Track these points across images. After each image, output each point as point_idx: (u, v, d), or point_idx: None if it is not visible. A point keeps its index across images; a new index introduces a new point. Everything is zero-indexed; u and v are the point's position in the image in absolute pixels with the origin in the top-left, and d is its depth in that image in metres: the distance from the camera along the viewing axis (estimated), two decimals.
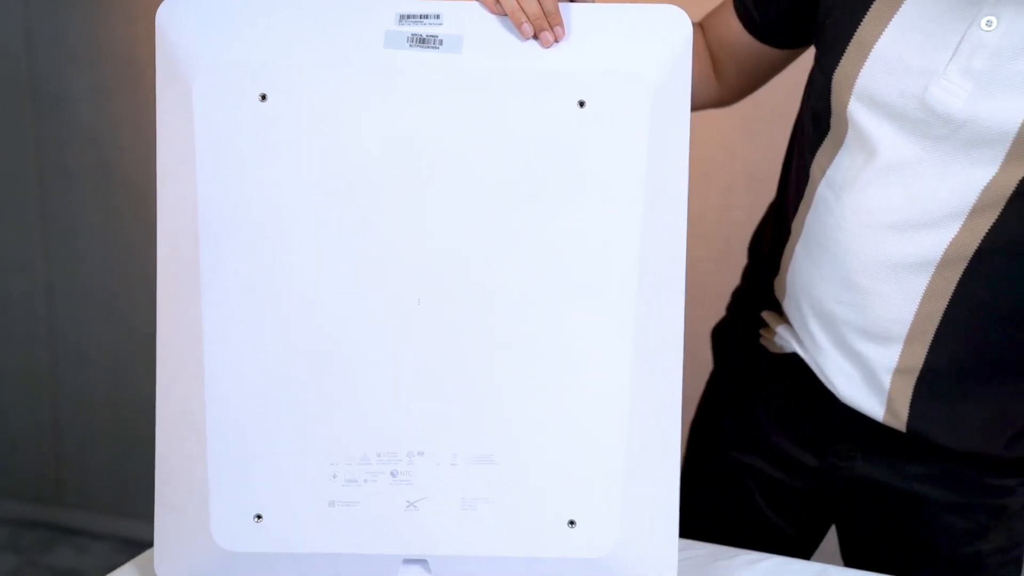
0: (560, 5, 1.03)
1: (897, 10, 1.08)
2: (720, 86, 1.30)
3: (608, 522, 1.06)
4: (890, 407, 1.15)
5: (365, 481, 1.06)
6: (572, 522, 1.06)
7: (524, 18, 1.02)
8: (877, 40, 1.08)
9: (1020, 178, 1.04)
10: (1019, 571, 1.26)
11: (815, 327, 1.18)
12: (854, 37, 1.10)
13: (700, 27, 1.28)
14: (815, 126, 1.18)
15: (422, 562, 1.07)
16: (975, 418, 1.15)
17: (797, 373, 1.22)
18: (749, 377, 1.31)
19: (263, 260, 1.05)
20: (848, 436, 1.21)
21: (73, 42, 2.69)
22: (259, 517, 1.06)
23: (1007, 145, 1.04)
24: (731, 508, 1.30)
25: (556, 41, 1.03)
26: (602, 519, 1.06)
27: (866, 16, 1.09)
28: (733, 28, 1.25)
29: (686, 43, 1.06)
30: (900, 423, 1.16)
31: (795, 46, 1.24)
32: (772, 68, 1.29)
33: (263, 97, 1.04)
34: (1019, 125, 1.03)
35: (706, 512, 1.31)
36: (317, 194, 1.05)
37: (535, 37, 1.03)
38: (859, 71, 1.09)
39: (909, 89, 1.07)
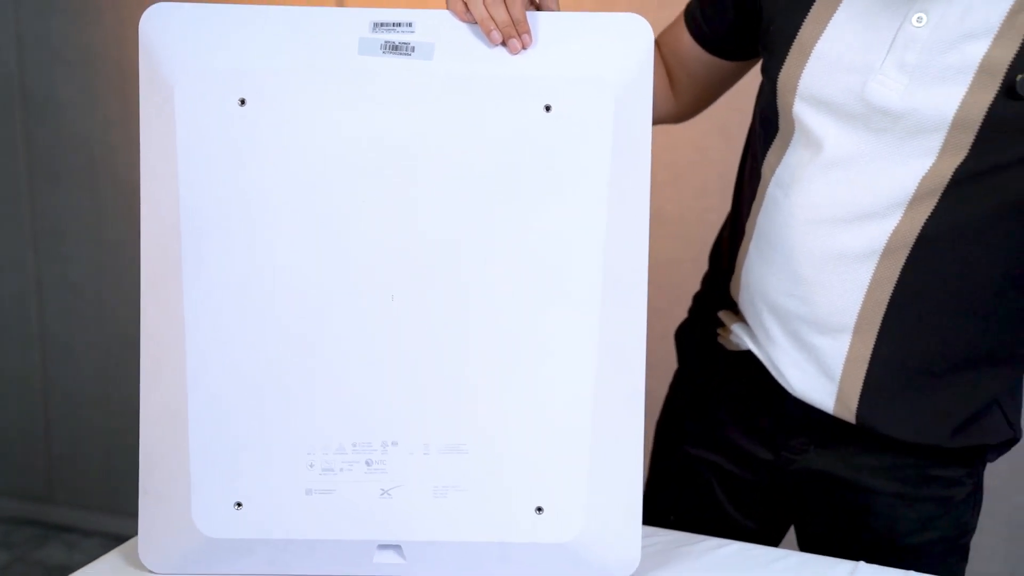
0: (527, 13, 1.08)
1: (835, 12, 1.13)
2: (676, 100, 1.35)
3: (574, 509, 1.09)
4: (840, 398, 1.19)
5: (341, 470, 1.10)
6: (540, 509, 1.09)
7: (493, 26, 1.07)
8: (817, 41, 1.13)
9: (956, 167, 1.09)
10: (966, 558, 1.29)
11: (769, 322, 1.21)
12: (795, 40, 1.15)
13: (656, 44, 1.32)
14: (764, 128, 1.22)
15: (396, 548, 1.11)
16: (922, 408, 1.19)
17: (752, 370, 1.25)
18: (709, 376, 1.35)
19: (242, 257, 1.09)
20: (801, 430, 1.25)
21: (62, 46, 2.71)
22: (239, 505, 1.10)
23: (943, 135, 1.08)
24: (693, 506, 1.34)
25: (524, 48, 1.08)
26: (568, 506, 1.09)
27: (806, 19, 1.14)
28: (685, 43, 1.30)
29: (647, 50, 1.10)
30: (850, 414, 1.19)
31: (744, 58, 1.29)
32: (723, 81, 1.33)
33: (242, 101, 1.08)
34: (952, 116, 1.07)
35: (670, 510, 1.35)
36: (294, 194, 1.08)
37: (503, 44, 1.08)
38: (801, 72, 1.14)
39: (849, 86, 1.11)
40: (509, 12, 1.06)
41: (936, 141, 1.09)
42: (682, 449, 1.36)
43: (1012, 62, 1.05)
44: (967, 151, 1.08)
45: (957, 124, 1.07)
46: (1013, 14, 1.05)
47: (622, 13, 1.10)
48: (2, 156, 2.82)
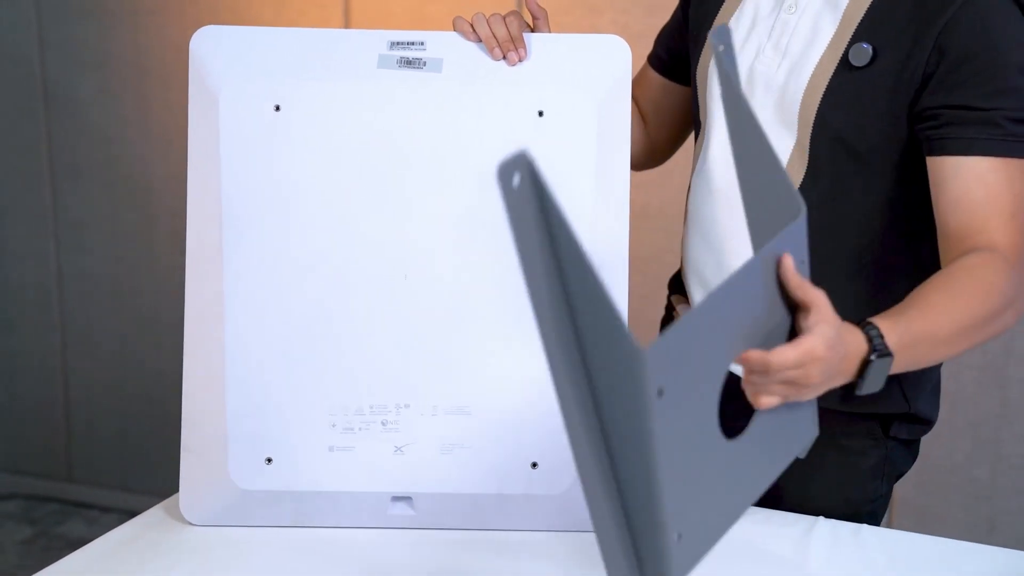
0: (524, 34, 1.23)
1: (737, 8, 1.29)
2: (652, 138, 1.49)
3: (566, 464, 1.19)
4: None
5: (360, 429, 1.22)
6: (535, 464, 1.22)
7: (495, 43, 1.22)
8: None
9: (809, 137, 1.21)
10: (877, 523, 1.36)
11: (700, 296, 1.33)
12: (708, 35, 1.29)
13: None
14: (695, 131, 1.38)
15: (408, 499, 1.22)
16: None
17: None
18: None
19: (275, 242, 1.22)
20: (731, 399, 1.35)
21: (82, 49, 2.82)
22: (269, 460, 1.22)
23: (797, 106, 1.22)
24: None
25: (520, 61, 1.23)
26: (561, 462, 1.21)
27: (716, 17, 1.31)
28: (651, 79, 1.45)
29: (626, 65, 1.24)
30: None
31: None
32: (686, 110, 1.46)
33: (277, 108, 1.22)
34: (805, 86, 1.21)
35: None
36: (321, 187, 1.22)
37: (503, 58, 1.23)
38: (709, 63, 1.30)
39: (741, 67, 1.26)
40: (508, 31, 1.22)
41: (794, 113, 1.22)
42: None
43: (851, 38, 1.19)
44: (813, 119, 1.20)
45: (808, 94, 1.20)
46: None
47: (604, 34, 1.25)
48: (26, 153, 2.92)
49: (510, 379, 1.22)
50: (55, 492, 3.07)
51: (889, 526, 2.27)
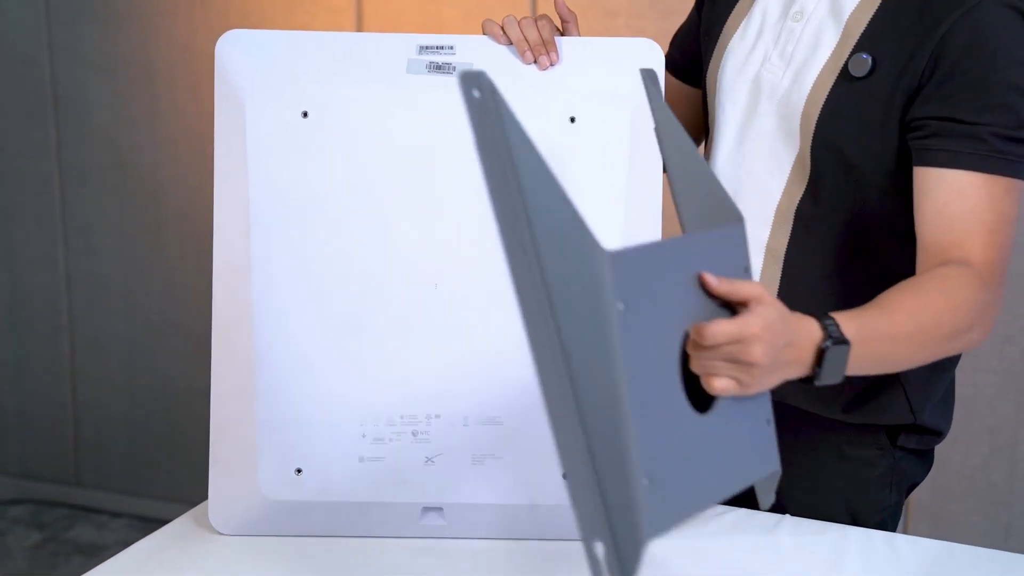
0: (556, 38, 1.22)
1: (747, 13, 1.29)
2: None
3: None
4: None
5: (390, 439, 1.21)
6: (566, 475, 1.21)
7: (527, 46, 1.21)
8: (731, 39, 1.29)
9: (810, 151, 1.21)
10: (889, 530, 1.34)
11: None
12: (718, 42, 1.31)
13: None
14: (705, 135, 1.37)
15: (438, 510, 1.21)
16: None
17: None
18: None
19: (304, 250, 1.21)
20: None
21: (91, 52, 2.82)
22: (299, 471, 1.20)
23: (798, 121, 1.21)
24: None
25: (552, 65, 1.21)
26: None
27: (726, 22, 1.30)
28: (667, 81, 1.43)
29: (659, 69, 1.22)
30: None
31: None
32: (701, 113, 1.45)
33: (305, 114, 1.21)
34: (806, 97, 1.20)
35: None
36: (349, 194, 1.21)
37: (535, 62, 1.21)
38: (719, 69, 1.29)
39: (748, 74, 1.26)
40: (540, 34, 1.20)
41: (796, 124, 1.21)
42: None
43: (852, 49, 1.18)
44: (813, 130, 1.20)
45: (808, 104, 1.20)
46: (858, 10, 1.19)
47: (636, 38, 1.23)
48: (35, 156, 2.92)
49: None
50: (64, 497, 3.06)
51: (904, 531, 2.26)
